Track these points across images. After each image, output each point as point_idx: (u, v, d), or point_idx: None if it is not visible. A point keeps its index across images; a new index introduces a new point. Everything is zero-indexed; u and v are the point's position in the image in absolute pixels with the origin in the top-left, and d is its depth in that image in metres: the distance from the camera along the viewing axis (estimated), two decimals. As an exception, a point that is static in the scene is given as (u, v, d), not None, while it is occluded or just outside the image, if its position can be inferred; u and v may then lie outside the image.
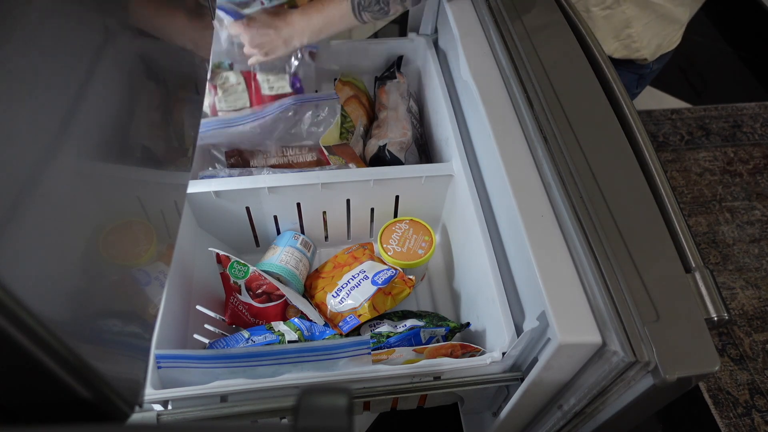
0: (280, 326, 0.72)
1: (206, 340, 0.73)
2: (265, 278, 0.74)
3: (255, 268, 0.75)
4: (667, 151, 1.62)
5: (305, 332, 0.71)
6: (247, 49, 0.78)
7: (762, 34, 1.99)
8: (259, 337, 0.70)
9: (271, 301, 0.76)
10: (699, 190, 1.54)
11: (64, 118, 0.29)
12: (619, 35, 0.85)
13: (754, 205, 1.52)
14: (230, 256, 0.75)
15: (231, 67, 0.89)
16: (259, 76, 0.87)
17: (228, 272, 0.76)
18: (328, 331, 0.71)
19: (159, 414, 0.57)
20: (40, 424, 0.30)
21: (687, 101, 1.76)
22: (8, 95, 0.24)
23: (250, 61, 0.80)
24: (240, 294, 0.77)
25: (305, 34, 0.74)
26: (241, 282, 0.76)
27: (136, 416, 0.51)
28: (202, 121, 0.82)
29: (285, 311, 0.77)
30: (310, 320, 0.74)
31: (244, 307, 0.78)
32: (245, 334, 0.72)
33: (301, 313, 0.76)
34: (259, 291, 0.76)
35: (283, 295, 0.75)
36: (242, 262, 0.75)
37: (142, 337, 0.39)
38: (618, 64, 0.88)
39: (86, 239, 0.32)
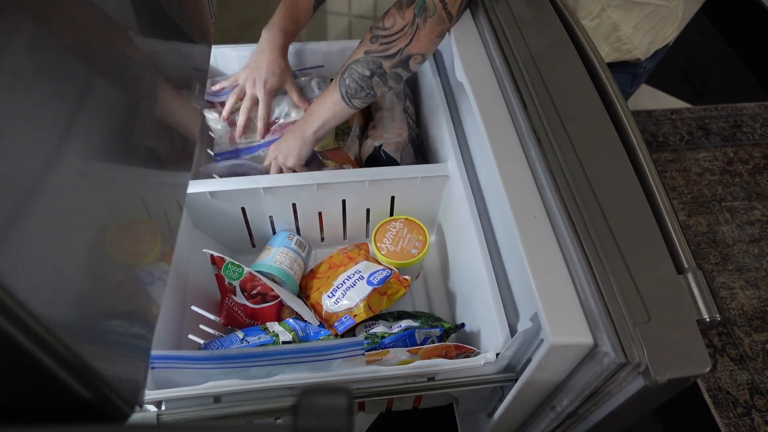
0: (274, 327, 0.72)
1: (201, 341, 0.73)
2: (259, 279, 0.74)
3: (249, 269, 0.75)
4: (667, 151, 1.62)
5: (300, 333, 0.71)
6: (271, 161, 0.84)
7: (762, 34, 1.98)
8: (254, 338, 0.71)
9: (266, 301, 0.77)
10: (699, 190, 1.54)
11: (69, 119, 0.30)
12: (608, 38, 0.85)
13: (754, 205, 1.51)
14: (224, 257, 0.75)
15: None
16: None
17: (222, 273, 0.76)
18: (322, 332, 0.71)
19: (159, 414, 0.57)
20: (40, 424, 0.30)
21: (687, 101, 1.75)
22: (13, 97, 0.25)
23: (272, 171, 0.85)
24: (235, 295, 0.77)
25: (313, 123, 0.78)
26: (236, 283, 0.76)
27: (136, 416, 0.51)
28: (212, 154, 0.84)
29: (280, 312, 0.77)
30: (305, 321, 0.74)
31: (239, 308, 0.78)
32: (240, 334, 0.72)
33: (296, 313, 0.76)
34: (254, 292, 0.76)
35: (278, 296, 0.75)
36: (236, 263, 0.75)
37: (144, 337, 0.39)
38: (611, 66, 0.87)
39: (90, 240, 0.32)
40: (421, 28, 0.68)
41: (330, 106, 0.76)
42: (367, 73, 0.71)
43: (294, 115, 0.89)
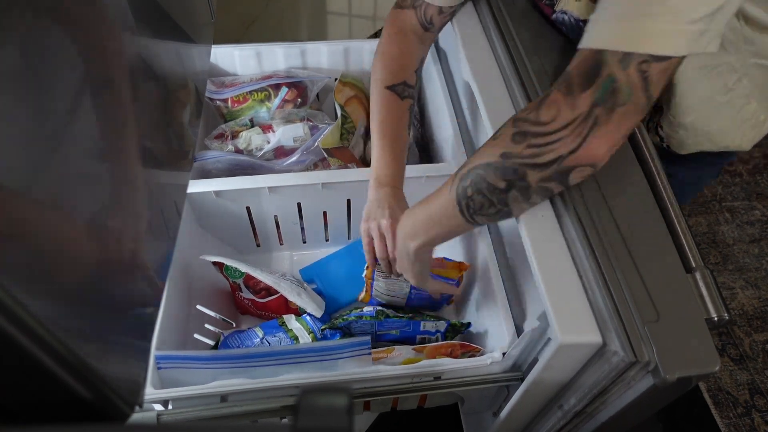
0: (292, 323, 0.73)
1: (207, 340, 0.73)
2: (258, 279, 0.75)
3: (247, 269, 0.75)
4: (667, 151, 1.62)
5: (318, 335, 0.73)
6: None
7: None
8: (274, 339, 0.71)
9: (271, 294, 0.77)
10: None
11: (65, 118, 0.29)
12: (741, 115, 0.67)
13: (754, 205, 1.52)
14: (222, 260, 0.75)
15: (251, 123, 0.89)
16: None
17: (225, 274, 0.77)
18: (338, 334, 0.72)
19: (159, 414, 0.57)
20: (40, 424, 0.30)
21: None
22: (9, 96, 0.24)
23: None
24: (241, 291, 0.78)
25: (417, 237, 0.59)
26: (239, 281, 0.77)
27: (136, 416, 0.51)
28: (216, 153, 0.82)
29: (287, 302, 0.77)
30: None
31: (248, 302, 0.80)
32: (259, 333, 0.73)
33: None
34: (259, 288, 0.77)
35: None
36: (233, 265, 0.75)
37: (143, 337, 0.39)
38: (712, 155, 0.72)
39: (87, 239, 0.32)
40: (601, 123, 0.44)
41: (444, 222, 0.56)
42: (502, 184, 0.50)
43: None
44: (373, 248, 0.69)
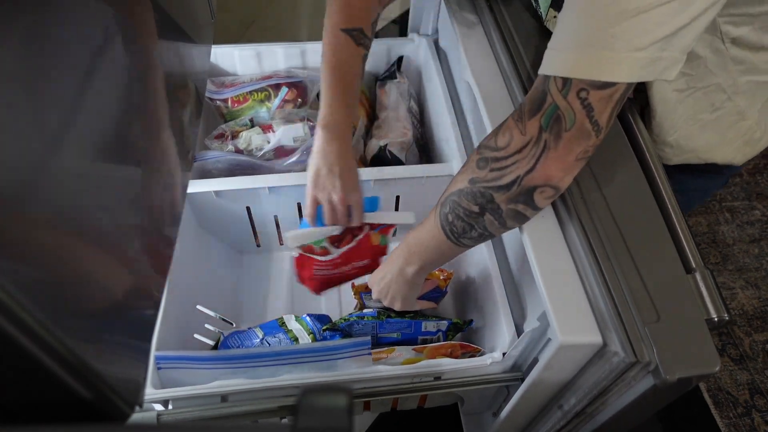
0: (292, 323, 0.73)
1: (207, 340, 0.73)
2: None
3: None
4: (667, 151, 1.62)
5: (317, 335, 0.72)
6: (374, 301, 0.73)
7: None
8: (273, 339, 0.71)
9: (355, 236, 0.72)
10: (699, 191, 1.54)
11: (65, 119, 0.29)
12: (733, 130, 0.68)
13: (754, 205, 1.52)
14: (306, 243, 0.71)
15: (252, 123, 0.89)
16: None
17: (312, 245, 0.71)
18: (338, 335, 0.72)
19: (159, 414, 0.57)
20: (40, 424, 0.30)
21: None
22: (11, 94, 0.24)
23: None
24: (323, 256, 0.73)
25: (413, 262, 0.62)
26: (326, 242, 0.72)
27: (136, 416, 0.51)
28: (216, 153, 0.82)
29: (370, 240, 0.73)
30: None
31: (328, 268, 0.74)
32: (259, 333, 0.72)
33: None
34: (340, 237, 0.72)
35: (362, 229, 0.71)
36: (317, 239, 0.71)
37: (143, 337, 0.39)
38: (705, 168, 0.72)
39: (86, 239, 0.32)
40: (551, 147, 0.47)
41: (434, 246, 0.59)
42: (475, 208, 0.52)
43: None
44: (315, 212, 0.67)
